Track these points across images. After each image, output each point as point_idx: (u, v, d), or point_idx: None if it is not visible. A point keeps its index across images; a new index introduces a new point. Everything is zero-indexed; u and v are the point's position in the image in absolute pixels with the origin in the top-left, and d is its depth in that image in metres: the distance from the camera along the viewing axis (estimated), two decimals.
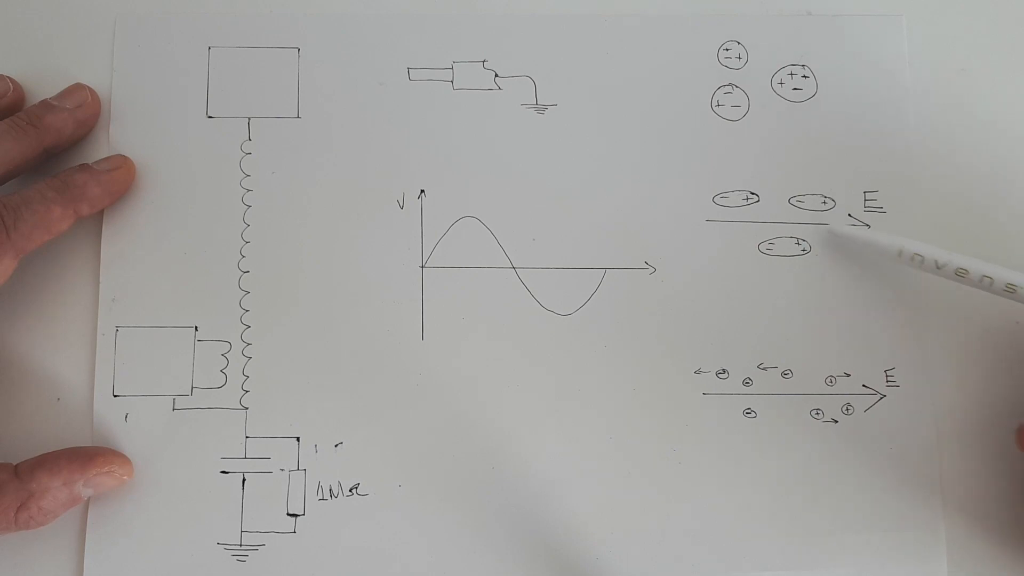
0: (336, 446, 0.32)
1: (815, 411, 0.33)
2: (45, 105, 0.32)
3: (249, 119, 0.34)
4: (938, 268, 0.30)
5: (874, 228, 0.33)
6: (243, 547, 0.31)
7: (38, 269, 0.33)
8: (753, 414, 0.33)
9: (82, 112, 0.33)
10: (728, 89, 0.34)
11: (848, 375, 0.33)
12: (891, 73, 0.35)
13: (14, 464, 0.29)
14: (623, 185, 0.34)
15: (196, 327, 0.33)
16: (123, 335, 0.32)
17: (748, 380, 0.33)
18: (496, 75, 0.34)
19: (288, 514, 0.32)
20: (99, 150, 0.34)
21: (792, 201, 0.34)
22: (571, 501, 0.32)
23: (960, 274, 0.29)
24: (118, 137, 0.34)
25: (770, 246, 0.34)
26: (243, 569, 0.31)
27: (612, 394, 0.33)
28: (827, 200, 0.34)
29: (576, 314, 0.33)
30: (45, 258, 0.33)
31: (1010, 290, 0.28)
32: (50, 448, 0.31)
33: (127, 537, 0.31)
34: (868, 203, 0.34)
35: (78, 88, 0.33)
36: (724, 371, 0.33)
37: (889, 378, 0.33)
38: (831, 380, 0.33)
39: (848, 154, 0.34)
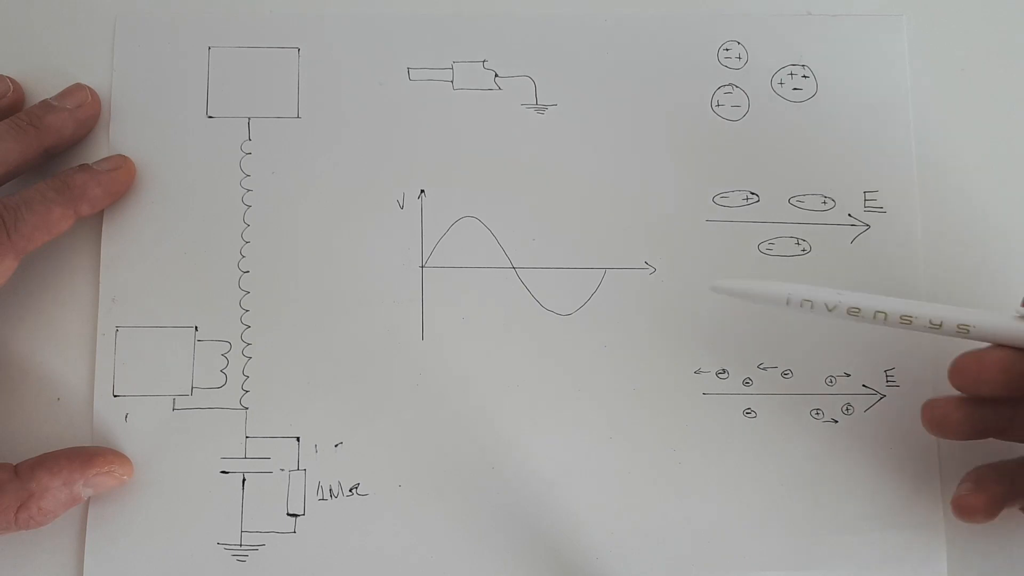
0: (336, 446, 0.32)
1: (815, 411, 0.33)
2: (45, 105, 0.32)
3: (249, 119, 0.34)
4: (829, 311, 0.28)
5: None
6: (243, 547, 0.31)
7: (38, 269, 0.33)
8: (753, 414, 0.33)
9: (82, 112, 0.33)
10: (728, 89, 0.34)
11: (848, 375, 0.33)
12: (891, 73, 0.35)
13: (14, 464, 0.29)
14: (623, 185, 0.34)
15: (196, 327, 0.33)
16: (123, 335, 0.32)
17: (748, 380, 0.33)
18: (496, 75, 0.34)
19: (288, 514, 0.32)
20: (99, 150, 0.34)
21: (792, 201, 0.34)
22: (571, 501, 0.32)
23: (852, 313, 0.28)
24: (118, 137, 0.34)
25: (770, 246, 0.34)
26: (243, 569, 0.31)
27: (612, 394, 0.33)
28: (827, 200, 0.34)
29: (576, 314, 0.33)
30: (45, 258, 0.33)
31: (905, 321, 0.28)
32: (50, 448, 0.31)
33: (127, 537, 0.31)
34: (868, 203, 0.34)
35: (78, 88, 0.33)
36: (724, 371, 0.33)
37: (889, 378, 0.33)
38: (831, 380, 0.33)
39: (848, 154, 0.34)
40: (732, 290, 0.29)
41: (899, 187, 0.34)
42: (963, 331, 0.28)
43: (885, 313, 0.28)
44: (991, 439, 0.30)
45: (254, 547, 0.31)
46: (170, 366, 0.32)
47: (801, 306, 0.29)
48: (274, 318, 0.33)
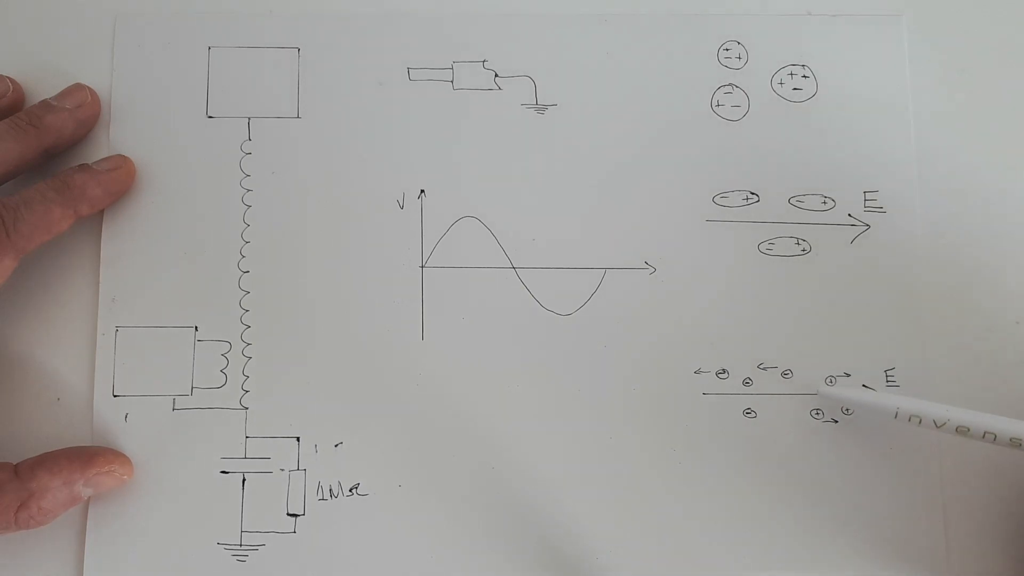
0: (336, 446, 0.32)
1: (815, 411, 0.33)
2: (45, 105, 0.32)
3: (249, 119, 0.34)
4: (937, 427, 0.29)
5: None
6: (243, 547, 0.31)
7: (38, 269, 0.33)
8: (753, 414, 0.33)
9: (82, 112, 0.33)
10: (728, 89, 0.34)
11: (848, 375, 0.33)
12: (891, 73, 0.35)
13: (14, 464, 0.29)
14: (623, 185, 0.34)
15: (196, 327, 0.33)
16: (123, 335, 0.32)
17: (748, 380, 0.33)
18: (496, 75, 0.34)
19: (288, 514, 0.32)
20: (99, 150, 0.34)
21: (792, 201, 0.34)
22: (571, 501, 0.32)
23: (961, 432, 0.28)
24: (118, 137, 0.34)
25: (770, 246, 0.34)
26: (243, 569, 0.31)
27: (612, 394, 0.33)
28: (827, 200, 0.34)
29: (576, 314, 0.33)
30: (45, 258, 0.33)
31: (1015, 444, 0.27)
32: (50, 448, 0.31)
33: (127, 537, 0.31)
34: (868, 203, 0.34)
35: (78, 88, 0.33)
36: (724, 371, 0.33)
37: (889, 378, 0.33)
38: (831, 380, 0.33)
39: (848, 154, 0.34)
40: (840, 398, 0.31)
41: (899, 187, 0.34)
42: None
43: (995, 434, 0.28)
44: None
45: (254, 547, 0.31)
46: (170, 366, 0.32)
47: (909, 420, 0.29)
48: (274, 318, 0.33)
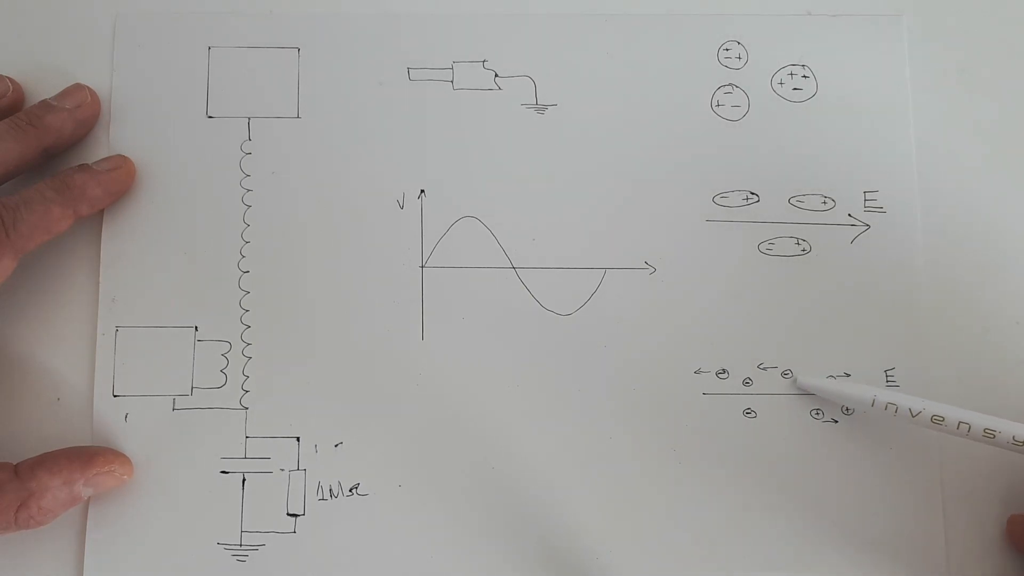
0: (336, 446, 0.32)
1: (815, 411, 0.33)
2: (45, 105, 0.32)
3: (249, 119, 0.34)
4: (912, 417, 0.30)
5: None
6: (243, 547, 0.31)
7: (38, 269, 0.33)
8: (753, 414, 0.33)
9: (82, 112, 0.33)
10: (728, 89, 0.34)
11: (848, 375, 0.33)
12: (891, 73, 0.35)
13: (14, 464, 0.29)
14: (623, 185, 0.34)
15: (196, 327, 0.33)
16: (123, 335, 0.32)
17: (748, 380, 0.33)
18: (496, 75, 0.34)
19: (288, 514, 0.32)
20: (99, 150, 0.34)
21: (792, 201, 0.34)
22: (571, 501, 0.32)
23: (936, 422, 0.29)
24: (118, 137, 0.34)
25: (770, 246, 0.34)
26: (243, 569, 0.31)
27: (612, 394, 0.33)
28: (827, 200, 0.34)
29: (576, 314, 0.33)
30: (45, 258, 0.33)
31: (988, 435, 0.28)
32: (50, 448, 0.31)
33: (127, 537, 0.31)
34: (868, 203, 0.34)
35: (78, 88, 0.33)
36: (724, 371, 0.33)
37: (889, 378, 0.33)
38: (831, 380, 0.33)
39: (848, 154, 0.34)
40: (817, 388, 0.32)
41: (899, 187, 0.34)
42: None
43: (969, 425, 0.29)
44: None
45: (254, 547, 0.32)
46: (170, 366, 0.32)
47: (886, 409, 0.30)
48: (274, 318, 0.33)
